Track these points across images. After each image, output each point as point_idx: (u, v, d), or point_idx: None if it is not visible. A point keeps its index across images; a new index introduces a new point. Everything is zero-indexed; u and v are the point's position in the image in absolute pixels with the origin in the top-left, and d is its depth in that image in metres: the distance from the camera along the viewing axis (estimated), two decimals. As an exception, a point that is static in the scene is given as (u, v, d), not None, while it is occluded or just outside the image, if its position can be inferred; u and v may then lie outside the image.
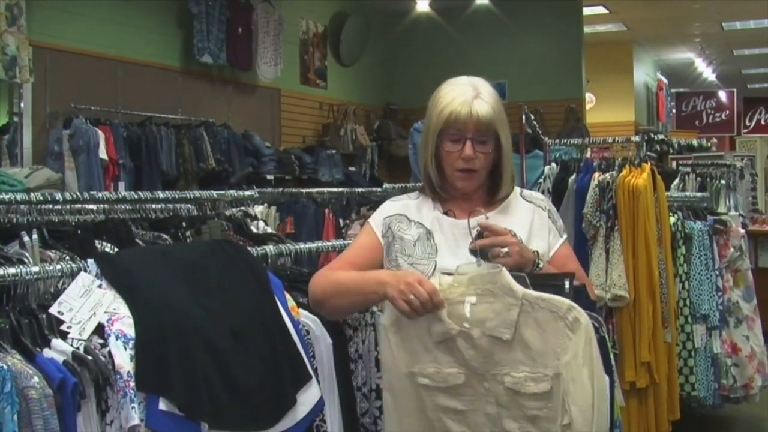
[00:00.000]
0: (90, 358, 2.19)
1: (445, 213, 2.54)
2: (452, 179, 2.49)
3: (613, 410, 2.69)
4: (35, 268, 2.40)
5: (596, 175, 4.62)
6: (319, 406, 2.63)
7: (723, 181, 7.75)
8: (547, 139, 5.77)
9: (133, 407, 2.16)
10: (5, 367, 2.04)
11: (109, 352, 2.22)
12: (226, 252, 2.72)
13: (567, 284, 2.23)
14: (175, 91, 8.87)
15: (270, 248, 3.12)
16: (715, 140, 12.82)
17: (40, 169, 6.48)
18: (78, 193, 3.38)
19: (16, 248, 2.78)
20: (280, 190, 7.15)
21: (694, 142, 11.84)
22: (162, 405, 2.21)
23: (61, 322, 2.30)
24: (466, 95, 2.46)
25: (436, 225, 2.52)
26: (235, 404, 2.35)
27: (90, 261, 2.45)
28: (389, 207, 2.63)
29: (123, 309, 2.32)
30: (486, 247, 2.28)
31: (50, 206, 3.31)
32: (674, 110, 21.51)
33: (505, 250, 2.28)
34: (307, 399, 2.56)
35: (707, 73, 20.32)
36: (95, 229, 3.14)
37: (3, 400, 1.99)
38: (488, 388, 2.22)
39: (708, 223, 5.35)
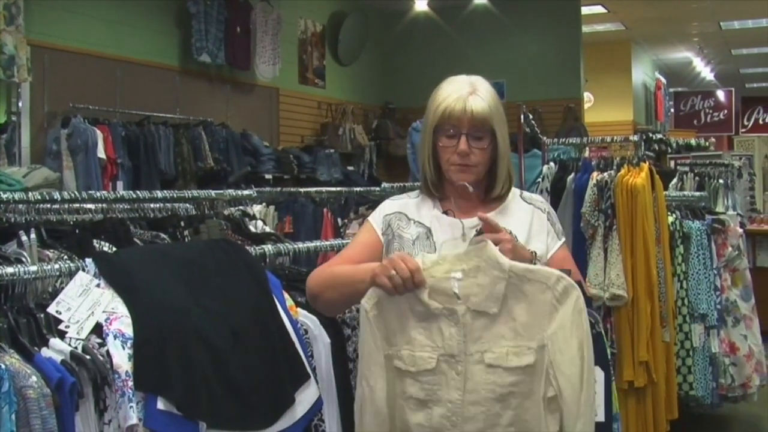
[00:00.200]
0: (88, 357, 2.19)
1: (445, 212, 2.55)
2: (448, 174, 2.49)
3: (611, 404, 2.70)
4: (33, 268, 2.40)
5: (594, 174, 4.62)
6: (317, 406, 2.63)
7: (721, 181, 7.75)
8: (545, 138, 5.77)
9: (131, 407, 2.16)
10: (3, 366, 2.04)
11: (108, 351, 2.22)
12: (225, 251, 2.72)
13: None
14: (173, 90, 8.87)
15: (268, 247, 3.12)
16: (713, 140, 12.81)
17: (38, 168, 6.48)
18: (76, 193, 3.37)
19: (14, 247, 2.78)
20: (279, 189, 7.15)
21: (693, 142, 11.84)
22: (160, 404, 2.21)
23: (59, 321, 2.30)
24: (462, 91, 2.48)
25: (436, 224, 2.52)
26: (234, 403, 2.35)
27: (88, 260, 2.45)
28: (389, 205, 2.64)
29: (121, 308, 2.32)
30: None
31: (48, 205, 3.31)
32: (672, 110, 21.53)
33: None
34: (305, 398, 2.57)
35: (705, 72, 20.33)
36: (93, 229, 3.14)
37: (1, 399, 1.99)
38: (459, 371, 2.18)
39: (706, 222, 5.35)
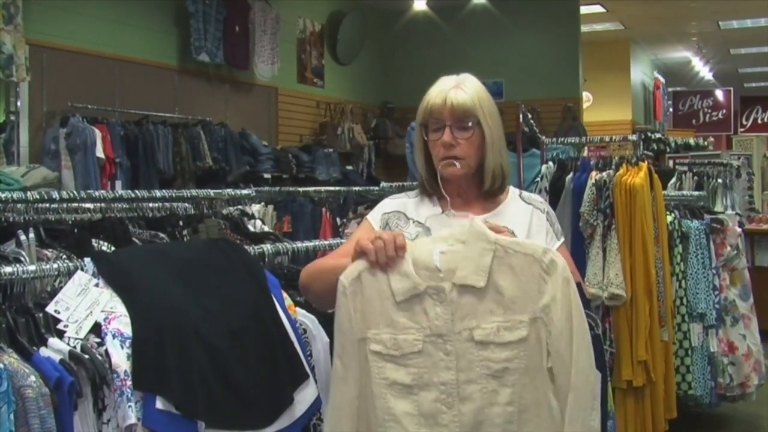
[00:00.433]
0: (87, 357, 2.19)
1: (444, 213, 2.55)
2: (438, 169, 2.50)
3: (606, 404, 2.71)
4: (32, 267, 2.40)
5: (593, 173, 4.62)
6: (316, 405, 2.63)
7: (720, 180, 7.76)
8: (544, 137, 5.77)
9: (129, 406, 2.16)
10: (2, 365, 2.04)
11: (106, 350, 2.22)
12: (223, 251, 2.72)
13: None
14: (172, 89, 8.87)
15: (267, 247, 3.12)
16: (712, 139, 12.82)
17: (37, 167, 6.48)
18: (75, 192, 3.37)
19: (13, 247, 2.78)
20: (278, 188, 7.16)
21: (691, 141, 11.84)
22: (159, 404, 2.21)
23: (58, 321, 2.30)
24: (445, 86, 2.53)
25: (434, 223, 2.53)
26: (232, 403, 2.35)
27: (87, 260, 2.46)
28: (388, 204, 2.65)
29: (120, 308, 2.32)
30: None
31: (47, 205, 3.31)
32: (671, 109, 21.55)
33: None
34: (304, 398, 2.56)
35: (704, 72, 20.34)
36: (92, 228, 3.14)
37: (0, 399, 1.99)
38: (449, 350, 2.12)
39: (705, 221, 5.36)
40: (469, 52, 12.13)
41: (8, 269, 2.33)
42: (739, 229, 5.82)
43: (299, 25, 11.35)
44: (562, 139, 6.14)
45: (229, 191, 3.79)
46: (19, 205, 3.22)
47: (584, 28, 13.24)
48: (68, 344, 2.24)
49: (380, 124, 12.20)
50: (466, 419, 2.11)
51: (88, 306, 2.32)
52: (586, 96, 14.86)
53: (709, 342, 5.12)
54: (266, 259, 3.08)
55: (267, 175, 9.40)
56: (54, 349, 2.22)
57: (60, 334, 2.28)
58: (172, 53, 9.07)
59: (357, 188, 7.31)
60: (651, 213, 4.48)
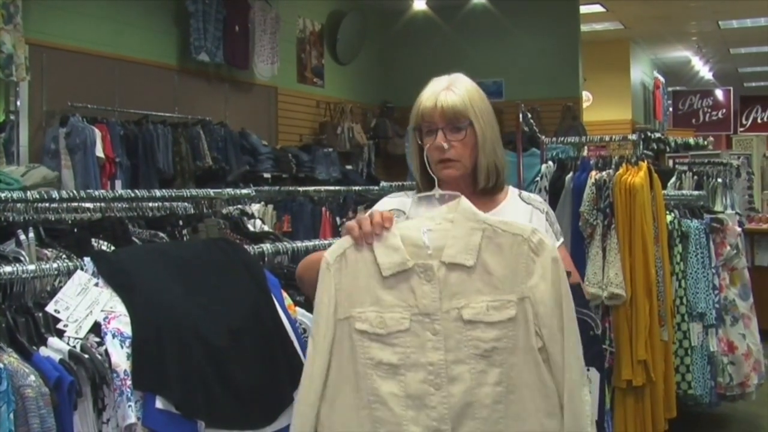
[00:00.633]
0: (86, 356, 2.20)
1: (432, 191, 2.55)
2: (435, 172, 2.49)
3: (603, 402, 2.71)
4: (32, 267, 2.40)
5: (593, 173, 4.62)
6: (315, 405, 2.62)
7: (720, 180, 7.76)
8: (544, 137, 5.77)
9: (129, 406, 2.16)
10: (1, 365, 2.04)
11: (106, 350, 2.22)
12: (223, 250, 2.72)
13: None
14: (171, 89, 8.87)
15: (267, 246, 3.12)
16: (711, 138, 12.83)
17: (37, 167, 6.48)
18: (74, 192, 3.37)
19: (13, 246, 2.78)
20: (277, 188, 7.16)
21: (691, 141, 11.85)
22: (159, 403, 2.21)
23: (58, 320, 2.30)
24: (436, 88, 2.53)
25: (423, 202, 2.52)
26: (232, 402, 2.35)
27: (86, 259, 2.46)
28: (387, 203, 2.65)
29: (120, 307, 2.32)
30: None
31: (47, 204, 3.31)
32: (671, 109, 21.55)
33: None
34: (303, 397, 2.56)
35: (704, 71, 20.35)
36: (92, 228, 3.14)
37: (0, 398, 1.99)
38: (437, 330, 2.09)
39: (705, 221, 5.36)
40: (468, 52, 12.14)
41: (8, 269, 2.33)
42: (738, 229, 5.82)
43: (299, 24, 11.35)
44: (562, 139, 6.14)
45: (229, 191, 3.79)
46: (18, 205, 3.22)
47: (584, 28, 13.24)
48: (68, 344, 2.24)
49: (380, 124, 12.20)
50: (455, 400, 2.09)
51: (87, 305, 2.32)
52: (586, 95, 14.87)
53: (709, 341, 5.12)
54: (266, 259, 3.08)
55: (267, 175, 9.39)
56: (54, 349, 2.22)
57: (60, 334, 2.28)
58: (171, 53, 9.07)
59: (357, 188, 7.32)
60: (651, 212, 4.48)
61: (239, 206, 3.93)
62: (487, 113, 2.56)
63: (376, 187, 6.46)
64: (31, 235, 2.79)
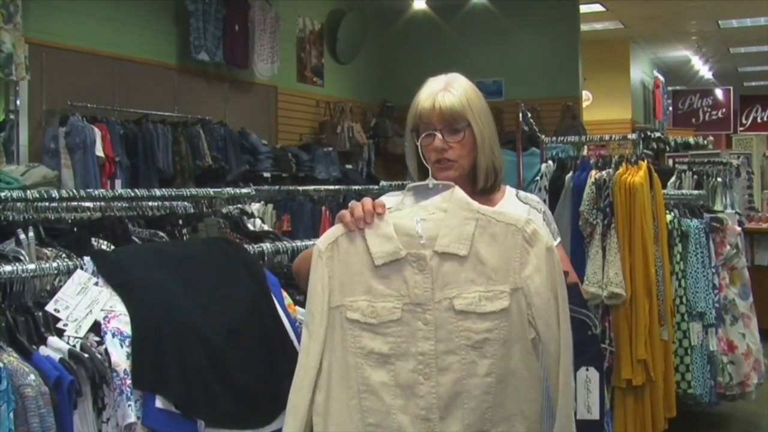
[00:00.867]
0: (86, 355, 2.20)
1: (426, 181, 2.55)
2: (433, 173, 2.47)
3: (603, 402, 2.71)
4: (31, 266, 2.40)
5: (593, 172, 4.62)
6: (315, 404, 2.62)
7: (719, 179, 7.75)
8: (543, 136, 5.77)
9: (129, 405, 2.16)
10: (1, 364, 2.04)
11: (106, 349, 2.22)
12: (223, 250, 2.72)
13: None
14: (171, 88, 8.87)
15: (267, 246, 3.12)
16: (711, 138, 12.80)
17: (37, 166, 6.48)
18: (74, 191, 3.37)
19: (13, 246, 2.78)
20: (277, 187, 7.17)
21: (691, 140, 11.82)
22: (158, 403, 2.21)
23: (58, 319, 2.30)
24: (434, 89, 2.52)
25: (416, 192, 2.52)
26: (232, 402, 2.35)
27: (86, 258, 2.46)
28: (386, 201, 2.64)
29: (119, 307, 2.32)
30: None
31: (46, 204, 3.31)
32: (671, 108, 21.55)
33: None
34: (303, 397, 2.56)
35: (704, 71, 20.35)
36: (91, 227, 3.14)
37: (-1, 397, 1.99)
38: (428, 320, 2.09)
39: (704, 220, 5.36)
40: (468, 51, 12.14)
41: (8, 268, 2.33)
42: (738, 228, 5.83)
43: (299, 24, 11.35)
44: (562, 138, 6.15)
45: (229, 190, 3.79)
46: (18, 204, 3.22)
47: (584, 27, 13.24)
48: (68, 343, 2.24)
49: (380, 123, 12.20)
50: (444, 390, 2.10)
51: (87, 305, 2.32)
52: (586, 95, 14.86)
53: (709, 341, 5.12)
54: (266, 258, 3.08)
55: (266, 174, 9.40)
56: (53, 348, 2.22)
57: (59, 333, 2.28)
58: (171, 52, 9.07)
59: (356, 187, 7.33)
60: (650, 212, 4.48)
61: (239, 205, 3.93)
62: (484, 113, 2.55)
63: (376, 187, 6.46)
64: (31, 234, 2.79)
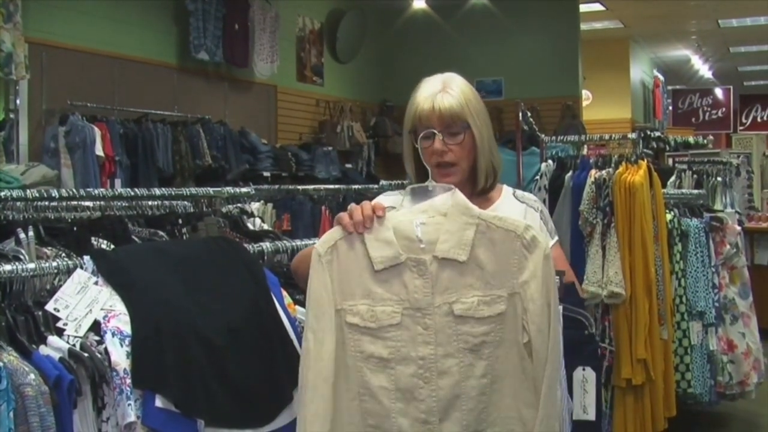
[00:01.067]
0: (86, 355, 2.19)
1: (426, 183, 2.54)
2: (433, 176, 2.46)
3: (600, 402, 2.71)
4: (31, 265, 2.40)
5: (593, 172, 4.61)
6: (315, 403, 2.62)
7: (719, 179, 7.75)
8: (543, 136, 5.77)
9: (129, 404, 2.16)
10: (1, 364, 2.04)
11: (106, 349, 2.22)
12: (223, 249, 2.72)
13: (558, 280, 2.23)
14: (171, 87, 8.87)
15: (266, 245, 3.11)
16: (711, 137, 12.79)
17: (36, 166, 6.48)
18: (74, 190, 3.37)
19: (12, 245, 2.78)
20: (277, 187, 7.15)
21: (691, 140, 11.81)
22: (158, 402, 2.21)
23: (57, 319, 2.30)
24: (432, 90, 2.51)
25: (415, 193, 2.52)
26: (232, 401, 2.35)
27: (86, 258, 2.45)
28: (383, 200, 2.64)
29: (119, 306, 2.32)
30: None
31: (46, 203, 3.30)
32: (671, 107, 21.55)
33: None
34: (303, 396, 2.56)
35: (704, 70, 20.36)
36: (91, 226, 3.14)
37: (-1, 397, 1.99)
38: (428, 324, 2.10)
39: (704, 220, 5.36)
40: (468, 51, 12.14)
41: (7, 267, 2.33)
42: (738, 228, 5.82)
43: (298, 23, 11.35)
44: (562, 138, 6.15)
45: (229, 189, 3.79)
46: (18, 203, 3.21)
47: (584, 27, 13.24)
48: (68, 342, 2.24)
49: (379, 123, 12.20)
50: (443, 393, 2.11)
51: (87, 304, 2.32)
52: (586, 94, 14.87)
53: (709, 340, 5.12)
54: (265, 258, 3.08)
55: (266, 174, 9.39)
56: (53, 348, 2.22)
57: (59, 332, 2.27)
58: (171, 51, 9.07)
59: (356, 186, 7.31)
60: (650, 211, 4.48)
61: (239, 205, 3.93)
62: (482, 114, 2.55)
63: (376, 186, 6.45)
64: (31, 233, 2.79)
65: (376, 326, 2.12)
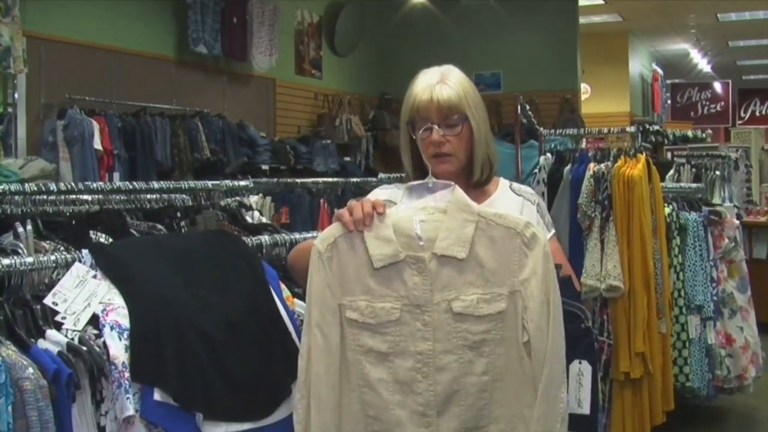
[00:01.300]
0: (85, 348, 2.19)
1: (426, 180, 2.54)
2: (430, 166, 2.45)
3: (597, 397, 2.71)
4: (29, 259, 2.39)
5: (591, 165, 4.62)
6: (314, 397, 2.62)
7: (718, 172, 7.77)
8: (542, 129, 5.77)
9: (128, 398, 2.16)
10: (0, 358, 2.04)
11: (104, 342, 2.22)
12: (221, 242, 2.72)
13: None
14: (169, 81, 8.85)
15: (265, 238, 3.11)
16: (710, 131, 12.83)
17: (35, 159, 6.47)
18: (72, 184, 3.37)
19: (11, 239, 2.78)
20: (275, 180, 7.14)
21: (689, 133, 11.86)
22: (157, 395, 2.21)
23: (56, 312, 2.30)
24: (429, 82, 2.50)
25: (415, 191, 2.52)
26: (230, 395, 2.35)
27: (84, 251, 2.45)
28: (378, 194, 2.64)
29: (117, 299, 2.32)
30: None
31: (44, 197, 3.30)
32: (669, 101, 21.55)
33: None
34: (302, 389, 2.56)
35: (702, 64, 20.35)
36: (89, 220, 3.13)
37: (-3, 390, 1.99)
38: (426, 321, 2.12)
39: (703, 214, 5.36)
40: (467, 44, 12.12)
41: (6, 261, 2.33)
42: (737, 222, 5.84)
43: (297, 16, 11.33)
44: (560, 131, 6.14)
45: (227, 182, 3.78)
46: (16, 197, 3.21)
47: (583, 20, 13.22)
48: (66, 336, 2.24)
49: (378, 116, 12.18)
50: (441, 388, 2.12)
51: (85, 298, 2.32)
52: (585, 88, 14.86)
53: (707, 334, 5.13)
54: (264, 251, 3.07)
55: (265, 167, 9.38)
56: (52, 341, 2.22)
57: (58, 326, 2.27)
58: (169, 45, 9.05)
59: (355, 179, 7.31)
60: (649, 205, 4.48)
61: (237, 198, 3.92)
62: (480, 106, 2.55)
63: (374, 179, 6.46)
64: (29, 227, 2.79)
65: (375, 322, 2.14)
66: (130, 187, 3.43)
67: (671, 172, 7.53)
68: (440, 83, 2.49)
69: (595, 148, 5.28)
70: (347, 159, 11.09)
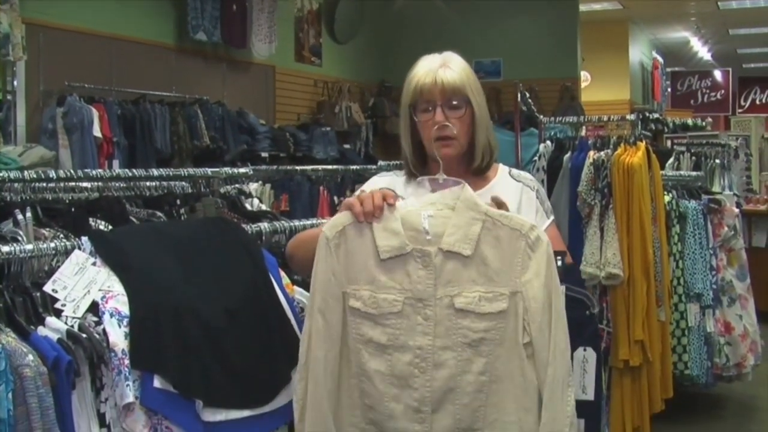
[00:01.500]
0: (84, 336, 2.19)
1: (432, 190, 2.54)
2: (433, 150, 2.46)
3: (600, 385, 2.72)
4: (29, 246, 2.39)
5: (591, 153, 4.62)
6: (313, 384, 2.62)
7: (718, 161, 7.77)
8: (542, 117, 5.77)
9: (127, 385, 2.17)
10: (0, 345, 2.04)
11: (104, 329, 2.22)
12: (221, 229, 2.72)
13: (559, 261, 2.23)
14: (169, 68, 8.83)
15: (264, 226, 3.11)
16: (710, 119, 12.81)
17: (34, 147, 6.46)
18: (72, 171, 3.36)
19: (10, 226, 2.77)
20: (275, 167, 7.14)
21: (689, 122, 11.83)
22: (156, 383, 2.21)
23: (56, 300, 2.30)
24: (432, 65, 2.51)
25: (425, 185, 2.52)
26: (230, 382, 2.36)
27: (84, 239, 2.45)
28: (377, 181, 2.65)
29: (117, 287, 2.32)
30: None
31: (44, 184, 3.30)
32: (669, 89, 21.52)
33: None
34: (301, 377, 2.56)
35: (703, 52, 20.31)
36: (89, 207, 3.13)
37: (-3, 377, 2.00)
38: (428, 315, 2.13)
39: (702, 202, 5.37)
40: (467, 31, 12.09)
41: (5, 248, 2.33)
42: (736, 210, 5.84)
43: (297, 3, 11.29)
44: (560, 119, 6.14)
45: (227, 170, 3.78)
46: (16, 185, 3.20)
47: (583, 8, 13.19)
48: (66, 323, 2.24)
49: (378, 103, 12.17)
50: (438, 384, 2.13)
51: (85, 285, 2.32)
52: (584, 75, 14.84)
53: (706, 322, 5.14)
54: (263, 238, 3.07)
55: (264, 154, 9.37)
56: (52, 329, 2.22)
57: (57, 313, 2.27)
58: (169, 32, 9.02)
59: (354, 167, 7.30)
60: (649, 193, 4.48)
61: (237, 185, 3.92)
62: (481, 92, 2.56)
63: (374, 166, 6.44)
64: (29, 214, 2.79)
65: (377, 313, 2.15)
66: (130, 174, 3.43)
67: (671, 160, 7.52)
68: (443, 66, 2.50)
69: (595, 136, 5.27)
70: (347, 146, 11.08)
